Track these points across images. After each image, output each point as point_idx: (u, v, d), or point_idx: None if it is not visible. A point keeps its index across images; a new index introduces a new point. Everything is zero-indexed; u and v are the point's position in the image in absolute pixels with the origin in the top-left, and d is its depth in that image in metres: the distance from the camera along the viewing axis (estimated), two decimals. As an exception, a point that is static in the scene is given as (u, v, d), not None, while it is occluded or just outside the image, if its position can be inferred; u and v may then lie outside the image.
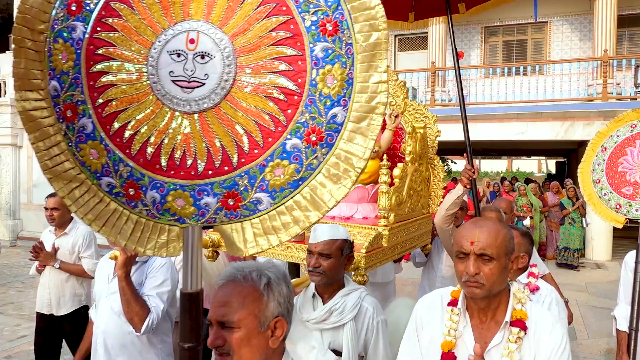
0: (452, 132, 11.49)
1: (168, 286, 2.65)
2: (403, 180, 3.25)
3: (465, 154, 3.11)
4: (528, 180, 13.30)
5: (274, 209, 1.32)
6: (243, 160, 1.30)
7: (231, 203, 1.33)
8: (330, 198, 1.27)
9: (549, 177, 16.63)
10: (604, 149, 3.50)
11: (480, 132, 11.16)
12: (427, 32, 12.91)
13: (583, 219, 10.11)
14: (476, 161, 47.49)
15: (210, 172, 1.32)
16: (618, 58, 11.23)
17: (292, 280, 2.24)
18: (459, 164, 40.39)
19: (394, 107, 3.77)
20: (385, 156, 3.09)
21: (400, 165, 3.29)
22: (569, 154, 17.50)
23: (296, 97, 1.26)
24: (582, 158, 3.56)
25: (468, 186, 3.04)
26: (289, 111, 1.27)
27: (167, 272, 2.70)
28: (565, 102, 10.98)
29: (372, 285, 4.52)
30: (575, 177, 3.79)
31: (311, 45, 1.26)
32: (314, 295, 2.29)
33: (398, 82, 3.90)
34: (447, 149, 22.83)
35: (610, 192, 3.37)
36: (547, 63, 12.46)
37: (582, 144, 3.42)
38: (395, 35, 15.31)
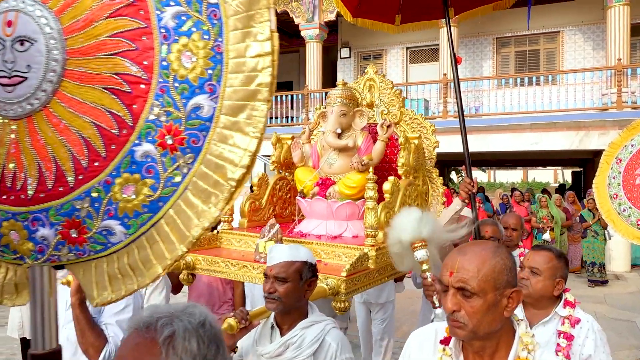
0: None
1: (129, 312, 2.41)
2: (395, 195, 3.08)
3: (464, 167, 2.95)
4: (544, 191, 13.16)
5: (131, 241, 1.00)
6: (81, 177, 1.00)
7: (74, 235, 1.02)
8: (197, 224, 0.95)
9: (561, 188, 16.42)
10: (618, 161, 3.26)
11: (494, 143, 11.11)
12: (438, 44, 12.93)
13: (605, 231, 9.59)
14: (491, 172, 47.04)
15: (42, 194, 1.02)
16: (632, 67, 11.14)
17: (252, 311, 2.03)
18: (473, 175, 40.22)
19: (387, 117, 3.62)
20: (371, 169, 2.98)
21: (391, 178, 3.10)
22: (584, 164, 17.32)
23: (143, 86, 0.95)
24: (597, 172, 3.36)
25: (467, 201, 2.84)
26: (135, 106, 0.96)
27: (129, 297, 2.40)
28: (580, 112, 10.90)
29: (371, 305, 4.47)
30: (591, 187, 3.62)
31: (158, 11, 0.94)
32: (272, 326, 2.06)
33: (393, 90, 3.73)
34: (461, 160, 22.70)
35: (630, 208, 3.10)
36: (560, 73, 12.40)
37: (598, 154, 3.33)
38: (407, 48, 15.37)
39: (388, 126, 3.33)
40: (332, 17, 13.50)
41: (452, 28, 3.47)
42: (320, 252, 2.86)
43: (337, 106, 3.35)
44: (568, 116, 10.73)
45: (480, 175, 42.42)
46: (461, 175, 38.58)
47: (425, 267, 2.24)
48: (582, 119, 10.47)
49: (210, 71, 0.93)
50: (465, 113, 12.71)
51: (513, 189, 13.20)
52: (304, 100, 13.52)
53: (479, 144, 11.23)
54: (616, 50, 10.94)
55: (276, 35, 0.91)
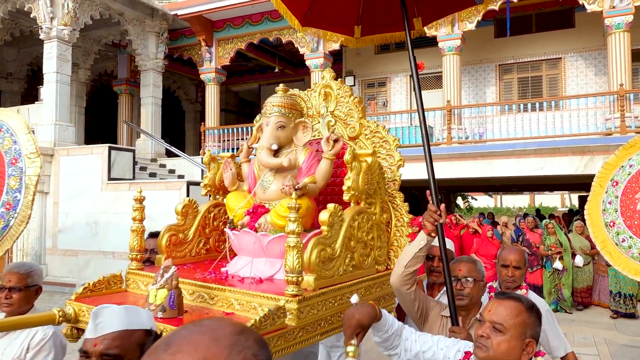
0: (470, 169, 11.52)
1: None
2: (336, 228, 2.45)
3: (428, 192, 2.36)
4: (551, 216, 13.09)
5: None
6: None
7: None
8: None
9: (570, 213, 16.31)
10: (614, 183, 2.79)
11: (499, 168, 11.15)
12: (441, 72, 13.11)
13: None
14: (497, 197, 46.54)
15: None
16: (635, 92, 11.24)
17: None
18: (480, 200, 40.08)
19: (335, 128, 3.09)
20: (294, 194, 2.24)
21: (330, 206, 2.44)
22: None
23: None
24: (589, 196, 2.87)
25: (433, 234, 2.28)
26: None
27: (51, 346, 2.41)
28: (584, 137, 10.95)
29: (331, 348, 3.53)
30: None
31: None
32: None
33: (352, 98, 3.13)
34: (468, 186, 22.81)
35: (630, 238, 2.60)
36: (563, 98, 12.51)
37: None
38: (410, 76, 15.53)
39: (335, 140, 2.70)
40: (336, 46, 13.74)
41: (406, 34, 3.01)
42: (234, 302, 2.21)
43: (274, 117, 2.76)
44: (572, 141, 10.78)
45: (487, 201, 42.29)
46: (467, 201, 38.34)
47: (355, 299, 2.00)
48: (587, 144, 10.51)
49: None
50: (470, 139, 12.76)
51: (525, 215, 12.63)
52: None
53: (484, 169, 11.27)
54: (618, 76, 11.05)
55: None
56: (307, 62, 14.25)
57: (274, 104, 2.80)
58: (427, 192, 2.33)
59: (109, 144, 12.20)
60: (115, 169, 12.07)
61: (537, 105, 12.15)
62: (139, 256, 2.70)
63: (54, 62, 12.71)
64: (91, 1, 13.40)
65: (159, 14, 14.94)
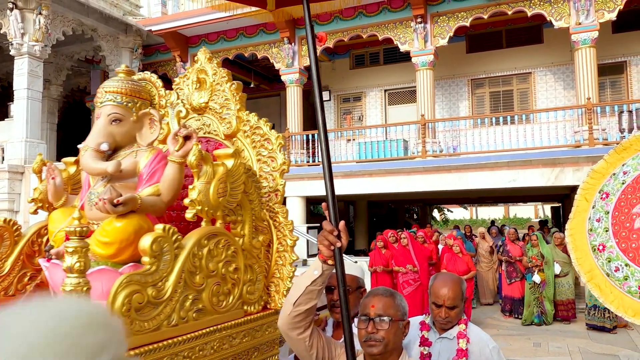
0: (445, 182, 11.67)
1: None
2: (167, 258, 1.80)
3: (324, 204, 1.76)
4: (530, 228, 13.23)
5: None
6: None
7: None
8: None
9: (543, 223, 16.63)
10: (604, 195, 2.14)
11: (473, 180, 11.32)
12: (415, 86, 13.31)
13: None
14: (473, 209, 46.88)
15: None
16: (601, 105, 11.58)
17: None
18: (455, 213, 40.42)
19: (185, 119, 2.40)
20: (77, 212, 1.69)
21: (159, 228, 1.80)
22: (563, 199, 17.65)
23: None
24: (571, 212, 2.25)
25: (330, 261, 1.70)
26: None
27: None
28: (554, 149, 11.21)
29: None
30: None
31: None
32: None
33: (230, 85, 2.53)
34: (443, 199, 23.05)
35: (627, 266, 1.95)
36: (533, 112, 12.84)
37: (574, 189, 2.99)
38: (385, 90, 15.77)
39: (186, 137, 2.06)
40: (311, 62, 13.84)
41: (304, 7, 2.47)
42: None
43: (107, 107, 2.13)
44: (543, 153, 11.02)
45: (463, 213, 42.77)
46: (443, 213, 38.53)
47: None
48: (557, 156, 10.76)
49: None
50: (444, 152, 12.92)
51: (492, 225, 12.78)
52: (285, 143, 13.68)
53: (459, 182, 11.43)
54: (585, 90, 11.39)
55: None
56: (283, 77, 14.32)
57: (107, 89, 2.15)
58: (323, 204, 1.74)
59: (81, 161, 12.00)
60: (88, 186, 11.86)
61: (508, 118, 12.43)
62: None
63: (25, 79, 12.51)
64: (63, 17, 13.26)
65: (133, 30, 14.86)
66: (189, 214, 1.96)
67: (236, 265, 2.12)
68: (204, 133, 2.56)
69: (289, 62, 14.17)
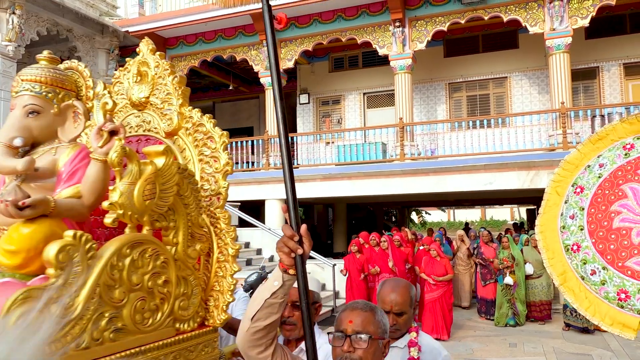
0: (423, 184, 11.78)
1: None
2: (77, 270, 1.58)
3: (283, 206, 1.60)
4: (507, 231, 13.44)
5: None
6: None
7: None
8: None
9: (517, 226, 16.85)
10: (578, 190, 1.93)
11: (451, 183, 11.45)
12: (393, 90, 13.41)
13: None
14: (450, 211, 47.28)
15: None
16: (575, 109, 11.83)
17: None
18: (433, 215, 40.72)
19: (112, 113, 2.06)
20: (24, 212, 1.59)
21: (68, 235, 1.59)
22: (538, 202, 17.97)
23: None
24: (540, 207, 2.06)
25: (292, 271, 1.51)
26: None
27: None
28: (529, 153, 11.41)
29: None
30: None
31: None
32: None
33: (172, 78, 2.32)
34: (421, 201, 23.25)
35: (604, 269, 1.75)
36: (509, 116, 13.04)
37: None
38: (364, 93, 15.84)
39: (112, 132, 1.84)
40: (290, 64, 13.84)
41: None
42: None
43: (25, 97, 1.91)
44: (519, 157, 11.20)
45: (440, 215, 43.16)
46: (422, 215, 38.76)
47: None
48: (532, 159, 10.95)
49: None
50: (422, 155, 13.01)
51: (466, 227, 12.93)
52: (264, 146, 13.64)
53: (436, 184, 11.55)
54: (559, 94, 11.62)
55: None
56: (262, 80, 14.28)
57: (24, 77, 1.93)
58: (283, 206, 1.59)
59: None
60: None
61: (485, 122, 12.60)
62: None
63: (-2, 79, 12.24)
64: (38, 17, 13.01)
65: (110, 31, 14.66)
66: (108, 219, 1.74)
67: (166, 277, 1.88)
68: (144, 130, 2.35)
69: (267, 64, 14.12)
